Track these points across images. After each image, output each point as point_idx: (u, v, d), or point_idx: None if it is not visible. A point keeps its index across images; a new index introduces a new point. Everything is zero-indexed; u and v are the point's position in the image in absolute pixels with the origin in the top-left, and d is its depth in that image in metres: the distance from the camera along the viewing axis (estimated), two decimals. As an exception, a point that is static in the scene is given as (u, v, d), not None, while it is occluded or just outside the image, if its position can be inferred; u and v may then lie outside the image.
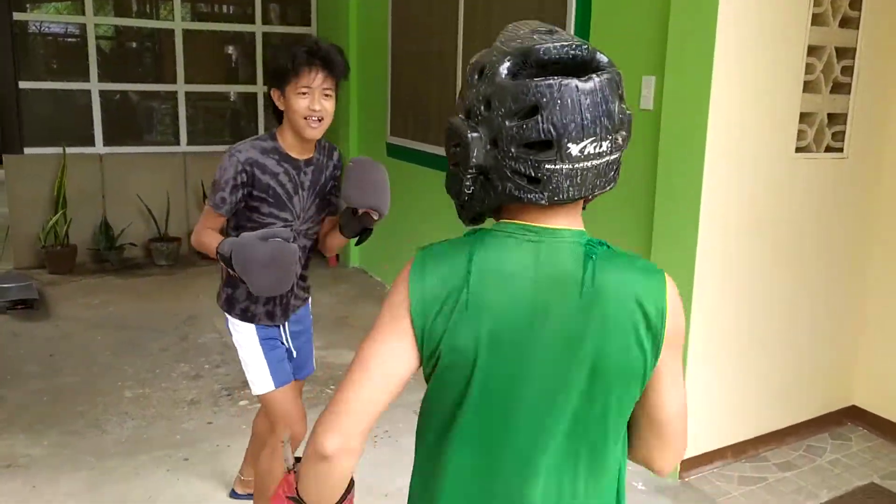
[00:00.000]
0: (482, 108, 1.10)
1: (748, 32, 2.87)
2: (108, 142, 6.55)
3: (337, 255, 6.73)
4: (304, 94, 2.25)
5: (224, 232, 2.41)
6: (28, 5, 6.36)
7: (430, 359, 1.15)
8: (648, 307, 1.12)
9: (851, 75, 3.19)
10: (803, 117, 3.13)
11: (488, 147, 1.10)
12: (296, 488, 1.21)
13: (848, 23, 3.15)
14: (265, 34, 7.01)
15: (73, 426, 3.60)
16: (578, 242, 1.13)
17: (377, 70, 5.86)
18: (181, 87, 6.73)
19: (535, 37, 1.10)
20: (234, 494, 3.05)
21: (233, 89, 7.21)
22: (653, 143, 3.13)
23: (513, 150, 1.08)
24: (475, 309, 1.11)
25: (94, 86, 6.45)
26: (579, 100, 1.04)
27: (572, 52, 1.09)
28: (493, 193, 1.13)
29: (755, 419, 3.36)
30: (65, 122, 6.48)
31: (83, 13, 6.34)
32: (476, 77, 1.13)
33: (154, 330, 4.95)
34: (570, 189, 1.08)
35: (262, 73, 7.01)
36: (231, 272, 2.23)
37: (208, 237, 2.32)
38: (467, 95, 1.14)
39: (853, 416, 3.62)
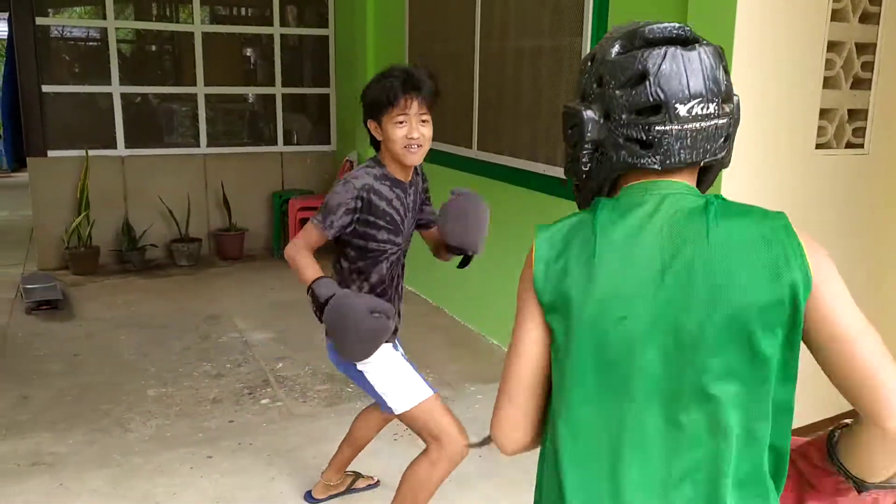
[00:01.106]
0: (595, 86, 1.18)
1: (766, 29, 2.86)
2: (129, 144, 6.62)
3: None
4: (401, 123, 2.29)
5: (334, 249, 2.47)
6: (50, 10, 6.44)
7: (560, 332, 1.16)
8: (782, 249, 1.08)
9: (872, 71, 3.17)
10: (823, 113, 3.11)
11: (602, 121, 1.16)
12: None
13: (868, 18, 3.12)
14: (283, 36, 7.07)
15: (97, 424, 3.65)
16: (696, 194, 1.16)
17: (395, 70, 5.89)
18: (201, 90, 6.80)
19: (639, 24, 1.17)
20: (309, 498, 3.02)
21: (252, 91, 7.27)
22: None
23: (624, 117, 1.14)
24: (607, 276, 1.12)
25: (116, 89, 6.52)
26: (684, 64, 1.11)
27: (675, 31, 1.15)
28: (608, 165, 1.17)
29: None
30: (87, 125, 6.57)
31: (104, 17, 6.42)
32: (589, 63, 1.20)
33: (176, 329, 5.00)
34: (682, 152, 1.13)
35: (281, 75, 7.07)
36: (317, 316, 2.26)
37: (305, 262, 2.31)
38: (581, 81, 1.21)
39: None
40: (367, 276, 2.42)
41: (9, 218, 9.03)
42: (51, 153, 6.39)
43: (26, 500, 2.99)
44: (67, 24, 6.69)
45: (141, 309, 5.48)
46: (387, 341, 2.41)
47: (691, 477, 1.11)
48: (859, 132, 3.23)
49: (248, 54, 7.35)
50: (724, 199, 1.15)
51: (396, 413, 2.41)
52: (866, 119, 3.22)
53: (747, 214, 1.13)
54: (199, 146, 6.88)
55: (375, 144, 2.42)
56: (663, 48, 1.12)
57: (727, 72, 1.15)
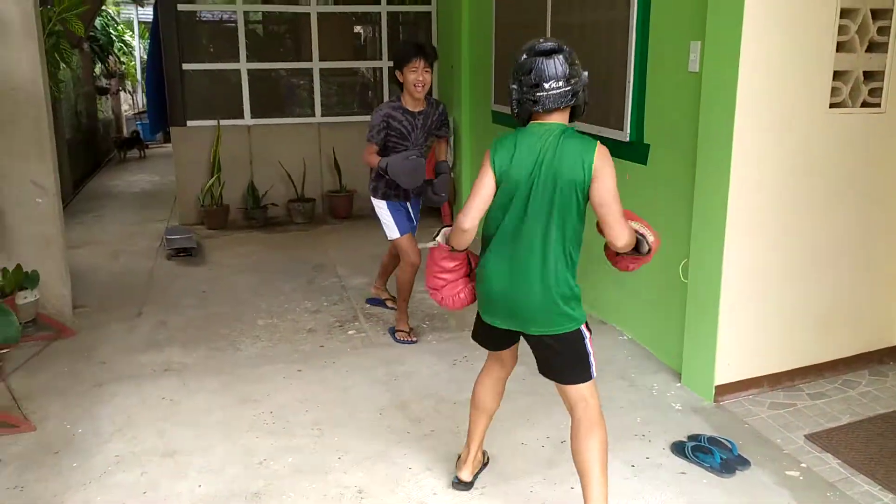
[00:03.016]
0: (515, 74, 2.46)
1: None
2: (254, 114, 7.49)
3: (451, 214, 7.37)
4: (413, 71, 4.08)
5: (379, 153, 4.21)
6: (189, -3, 7.36)
7: (499, 184, 2.50)
8: (585, 156, 2.37)
9: (888, 35, 3.38)
10: (839, 75, 3.37)
11: (516, 90, 2.46)
12: (447, 245, 2.64)
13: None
14: (389, 13, 7.70)
15: (216, 344, 4.45)
16: (558, 128, 2.44)
17: (484, 42, 6.38)
18: (316, 65, 7.56)
19: (539, 41, 2.45)
20: (369, 300, 5.06)
21: (361, 65, 7.97)
22: (697, 101, 3.49)
23: (525, 89, 2.43)
24: (517, 161, 2.45)
25: (244, 66, 7.39)
26: (546, 64, 2.39)
27: (548, 46, 2.42)
28: (523, 109, 2.47)
29: (792, 352, 3.66)
30: (219, 98, 7.48)
31: (234, 2, 7.28)
32: (515, 63, 2.48)
33: (287, 274, 5.79)
34: (548, 103, 2.41)
35: (388, 50, 7.72)
36: (385, 175, 4.06)
37: (372, 158, 4.17)
38: (511, 71, 2.48)
39: (895, 355, 3.82)
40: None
41: (160, 182, 10.25)
42: (189, 123, 7.35)
43: (160, 394, 3.81)
44: (204, 8, 7.59)
45: (260, 258, 6.32)
46: (401, 202, 4.39)
47: (538, 255, 2.45)
48: (876, 93, 3.46)
49: (357, 31, 8.03)
50: (571, 130, 2.46)
51: (389, 238, 4.46)
52: (883, 80, 3.43)
53: (577, 138, 2.43)
54: (314, 116, 7.66)
55: (399, 85, 4.22)
56: (540, 57, 2.40)
57: (572, 65, 2.41)
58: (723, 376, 3.54)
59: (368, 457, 3.20)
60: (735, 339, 3.50)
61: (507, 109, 5.92)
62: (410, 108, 4.21)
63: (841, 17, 3.30)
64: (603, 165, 2.36)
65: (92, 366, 4.16)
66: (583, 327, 2.53)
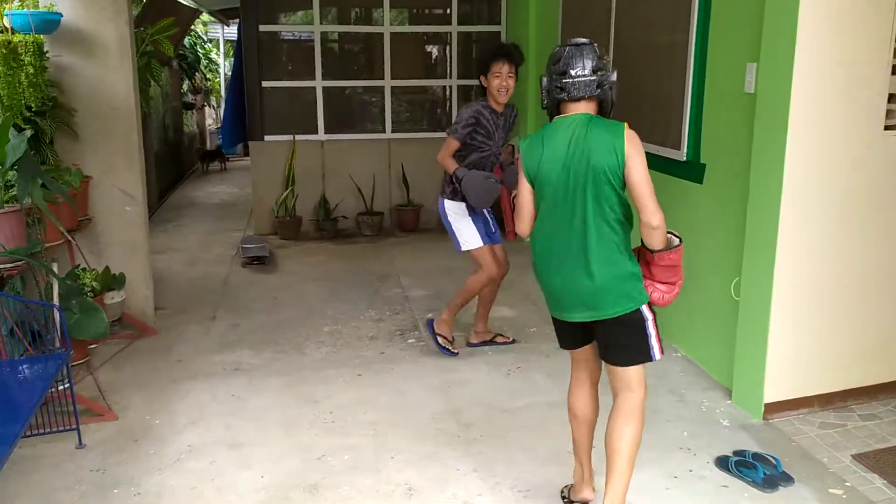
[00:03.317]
0: (547, 66, 2.60)
1: (832, 21, 3.22)
2: (328, 130, 7.81)
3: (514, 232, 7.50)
4: (497, 76, 4.06)
5: (458, 152, 4.19)
6: (270, 18, 7.74)
7: (533, 184, 2.65)
8: (616, 141, 2.47)
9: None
10: (892, 98, 3.39)
11: (546, 80, 2.59)
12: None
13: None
14: (460, 33, 7.93)
15: (283, 348, 4.71)
16: (585, 118, 2.55)
17: (550, 63, 6.53)
18: (387, 83, 7.84)
19: (571, 40, 2.61)
20: (469, 344, 4.62)
21: (431, 83, 8.22)
22: (752, 122, 3.56)
23: (553, 77, 2.56)
24: (547, 158, 2.56)
25: (319, 83, 7.73)
26: (574, 54, 2.53)
27: (580, 39, 2.58)
28: (551, 98, 2.59)
29: (844, 374, 3.65)
30: (295, 114, 7.84)
31: (311, 23, 7.64)
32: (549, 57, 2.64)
33: (353, 284, 6.03)
34: (574, 91, 2.53)
35: (457, 68, 7.94)
36: (457, 186, 4.11)
37: (449, 161, 4.15)
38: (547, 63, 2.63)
39: (953, 382, 3.76)
40: (466, 157, 4.20)
41: (239, 193, 10.71)
42: (267, 138, 7.73)
43: (230, 391, 4.07)
44: (283, 29, 7.98)
45: (329, 267, 6.59)
46: (474, 211, 4.25)
47: (584, 242, 2.54)
48: (933, 116, 3.46)
49: (428, 50, 8.29)
50: (598, 118, 2.55)
51: (461, 250, 4.30)
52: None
53: (604, 125, 2.52)
54: (384, 132, 7.93)
55: (483, 90, 4.20)
56: (569, 48, 2.55)
57: (599, 57, 2.54)
58: (772, 394, 3.56)
59: (420, 457, 3.36)
60: (785, 359, 3.53)
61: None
62: (496, 109, 4.19)
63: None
64: (633, 147, 2.45)
65: (170, 363, 4.46)
66: (644, 308, 2.57)
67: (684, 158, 4.26)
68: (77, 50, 4.70)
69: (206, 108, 15.50)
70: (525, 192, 2.67)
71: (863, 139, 3.39)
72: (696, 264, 4.26)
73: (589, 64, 2.50)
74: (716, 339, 4.06)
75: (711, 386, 4.03)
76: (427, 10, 8.26)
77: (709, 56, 4.05)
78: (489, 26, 7.99)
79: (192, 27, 12.42)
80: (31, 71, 4.26)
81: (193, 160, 13.29)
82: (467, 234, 4.25)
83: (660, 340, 2.62)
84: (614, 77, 2.58)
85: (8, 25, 4.35)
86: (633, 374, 2.61)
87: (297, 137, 7.66)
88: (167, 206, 9.74)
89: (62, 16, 4.54)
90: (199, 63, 13.65)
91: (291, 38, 8.08)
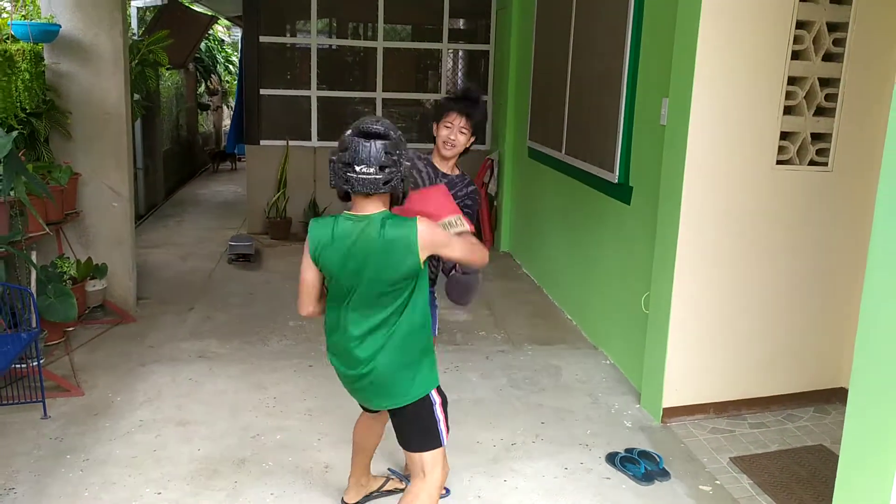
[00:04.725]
0: (337, 148, 2.42)
1: (727, 62, 3.55)
2: (320, 137, 8.23)
3: (492, 240, 7.86)
4: (447, 126, 3.16)
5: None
6: (269, 30, 8.19)
7: (319, 269, 2.52)
8: (410, 242, 2.37)
9: (836, 101, 3.69)
10: (787, 136, 3.71)
11: (332, 165, 2.40)
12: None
13: (833, 57, 3.66)
14: (451, 51, 8.31)
15: (248, 339, 5.10)
16: (378, 218, 2.40)
17: (525, 82, 6.88)
18: (379, 95, 8.24)
19: (368, 120, 2.41)
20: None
21: (421, 97, 8.60)
22: (660, 153, 3.90)
23: (339, 165, 2.38)
24: (331, 249, 2.43)
25: (314, 93, 8.16)
26: (362, 147, 2.33)
27: (374, 128, 2.37)
28: (338, 185, 2.41)
29: (738, 384, 3.97)
30: (289, 121, 8.27)
31: (308, 36, 8.07)
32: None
33: (327, 284, 6.41)
34: (359, 187, 2.35)
35: (445, 84, 8.32)
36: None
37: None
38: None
39: (841, 397, 4.04)
40: None
41: (243, 193, 11.11)
42: (262, 142, 8.16)
43: (189, 375, 4.47)
44: (282, 41, 8.41)
45: (309, 267, 6.98)
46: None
47: (370, 332, 2.49)
48: (825, 153, 3.76)
49: (421, 66, 8.67)
50: (392, 218, 2.39)
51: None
52: (830, 142, 3.74)
53: (397, 225, 2.38)
54: (374, 141, 8.32)
55: (433, 140, 3.26)
56: (359, 138, 2.34)
57: (391, 153, 2.33)
58: (670, 400, 3.89)
59: (344, 440, 3.73)
60: (682, 367, 3.86)
61: (540, 147, 6.47)
62: (438, 166, 3.25)
63: (788, 83, 3.64)
64: (426, 234, 2.38)
65: (141, 348, 4.88)
66: (432, 393, 2.57)
67: (616, 181, 4.60)
68: (74, 58, 5.15)
69: (225, 109, 16.04)
70: (311, 273, 2.57)
71: (756, 172, 3.71)
72: (622, 278, 4.60)
73: (376, 160, 2.30)
74: (636, 348, 4.39)
75: (628, 391, 4.35)
76: (420, 27, 8.66)
77: (637, 88, 4.39)
78: (479, 45, 8.36)
79: (210, 32, 12.96)
80: (27, 77, 4.72)
81: (206, 159, 13.81)
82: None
83: (447, 422, 2.63)
84: (407, 167, 2.41)
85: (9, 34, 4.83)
86: (425, 458, 2.60)
87: (291, 143, 8.09)
88: (172, 203, 10.22)
89: (61, 27, 5.00)
90: (216, 66, 14.17)
91: (289, 49, 8.52)
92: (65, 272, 4.73)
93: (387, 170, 2.33)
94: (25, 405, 3.96)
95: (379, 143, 2.32)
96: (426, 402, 2.58)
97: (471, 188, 3.30)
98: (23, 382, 4.08)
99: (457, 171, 3.29)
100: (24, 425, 3.80)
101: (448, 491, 3.29)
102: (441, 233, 2.45)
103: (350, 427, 3.84)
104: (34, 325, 4.01)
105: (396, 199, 2.49)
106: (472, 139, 3.29)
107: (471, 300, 3.23)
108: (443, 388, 3.62)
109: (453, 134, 3.18)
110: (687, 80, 3.59)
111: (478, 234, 3.97)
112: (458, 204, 3.01)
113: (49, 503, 3.16)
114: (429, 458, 2.60)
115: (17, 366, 4.07)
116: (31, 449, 3.58)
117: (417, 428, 2.60)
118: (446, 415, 2.64)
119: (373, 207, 2.40)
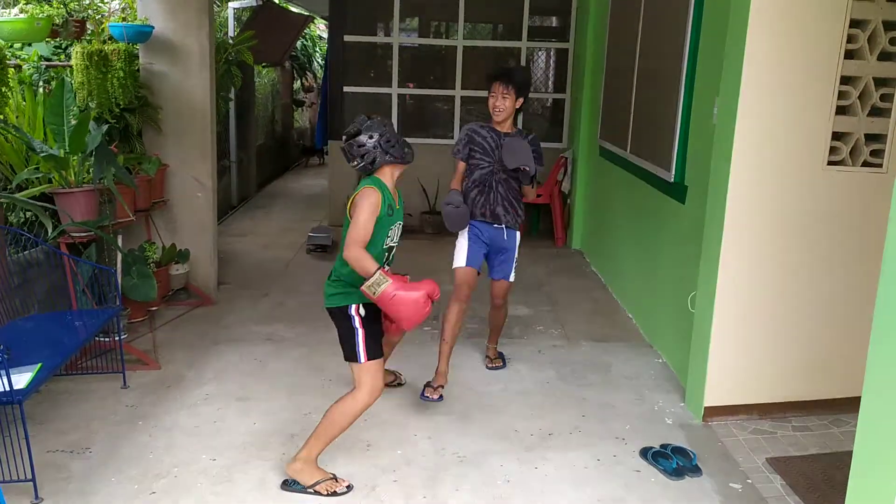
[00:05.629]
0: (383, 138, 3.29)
1: (776, 60, 3.52)
2: (401, 133, 8.43)
3: (564, 238, 7.92)
4: (492, 95, 4.20)
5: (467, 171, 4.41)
6: (354, 29, 8.50)
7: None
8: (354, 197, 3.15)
9: (892, 101, 3.59)
10: (840, 136, 3.64)
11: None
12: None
13: (889, 56, 3.57)
14: (529, 49, 8.40)
15: (314, 325, 5.38)
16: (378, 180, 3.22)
17: (598, 82, 6.91)
18: (458, 92, 8.42)
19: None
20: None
21: (500, 94, 8.71)
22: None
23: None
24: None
25: (394, 90, 8.41)
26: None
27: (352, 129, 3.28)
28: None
29: (785, 386, 3.92)
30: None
31: (391, 35, 8.33)
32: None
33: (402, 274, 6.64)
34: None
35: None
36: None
37: (454, 182, 4.44)
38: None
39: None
40: (471, 175, 4.36)
41: (329, 187, 11.60)
42: (345, 138, 8.47)
43: (255, 356, 4.79)
44: (365, 40, 8.71)
45: (383, 259, 7.24)
46: (486, 222, 4.33)
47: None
48: (879, 153, 3.67)
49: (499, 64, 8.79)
50: (369, 179, 3.20)
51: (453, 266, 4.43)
52: (885, 143, 3.64)
53: (362, 183, 3.22)
54: (452, 138, 8.51)
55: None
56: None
57: (347, 149, 3.25)
58: (712, 399, 3.89)
59: (386, 422, 3.94)
60: (725, 368, 3.85)
61: (609, 145, 6.49)
62: (495, 128, 4.21)
63: (842, 83, 3.57)
64: (356, 200, 3.12)
65: (216, 329, 5.24)
66: (352, 311, 3.19)
67: (672, 180, 4.60)
68: (165, 57, 5.57)
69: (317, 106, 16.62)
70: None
71: (806, 172, 3.66)
72: (677, 277, 4.61)
73: (349, 156, 3.35)
74: (686, 347, 4.39)
75: (675, 389, 4.37)
76: (499, 27, 8.78)
77: (695, 87, 4.39)
78: (559, 43, 8.41)
79: (308, 31, 13.47)
80: (121, 75, 5.14)
81: (298, 154, 14.37)
82: (457, 252, 4.40)
83: (367, 348, 3.17)
84: (372, 142, 3.26)
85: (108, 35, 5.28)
86: (353, 369, 3.24)
87: (371, 139, 8.36)
88: (263, 195, 10.73)
89: (154, 28, 5.42)
90: (311, 64, 14.71)
91: (372, 48, 8.81)
92: (149, 256, 5.13)
93: (353, 161, 3.23)
94: (109, 375, 4.36)
95: (346, 144, 3.25)
96: (345, 313, 3.21)
97: (530, 136, 4.27)
98: (108, 355, 4.49)
99: (514, 130, 4.27)
100: (105, 392, 4.19)
101: (350, 487, 3.37)
102: (361, 210, 3.08)
103: (394, 411, 4.05)
104: (117, 303, 4.39)
105: (368, 172, 3.24)
106: (521, 100, 4.22)
107: (452, 225, 4.28)
108: (492, 377, 3.90)
109: (497, 101, 4.17)
110: (735, 79, 3.58)
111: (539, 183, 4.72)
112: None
113: (119, 463, 3.50)
114: (354, 369, 3.21)
115: (103, 339, 4.48)
116: (109, 414, 3.95)
117: (341, 337, 3.25)
118: (368, 340, 3.17)
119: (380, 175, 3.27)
